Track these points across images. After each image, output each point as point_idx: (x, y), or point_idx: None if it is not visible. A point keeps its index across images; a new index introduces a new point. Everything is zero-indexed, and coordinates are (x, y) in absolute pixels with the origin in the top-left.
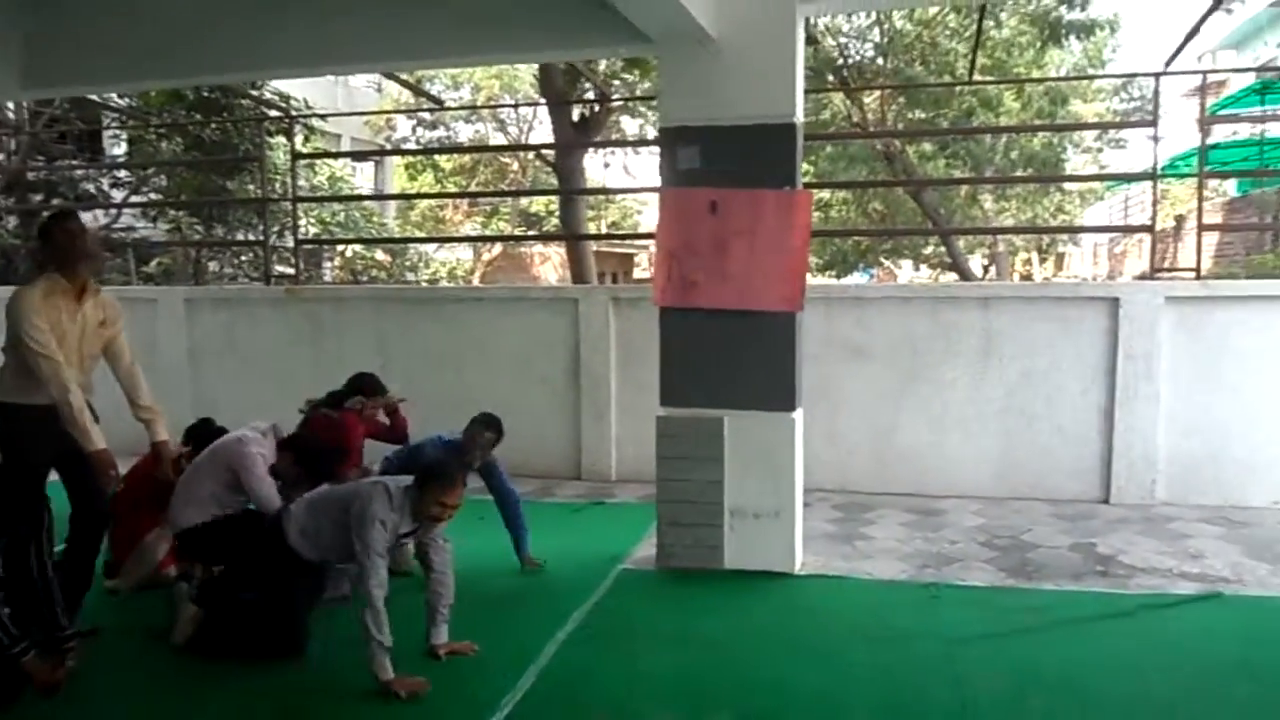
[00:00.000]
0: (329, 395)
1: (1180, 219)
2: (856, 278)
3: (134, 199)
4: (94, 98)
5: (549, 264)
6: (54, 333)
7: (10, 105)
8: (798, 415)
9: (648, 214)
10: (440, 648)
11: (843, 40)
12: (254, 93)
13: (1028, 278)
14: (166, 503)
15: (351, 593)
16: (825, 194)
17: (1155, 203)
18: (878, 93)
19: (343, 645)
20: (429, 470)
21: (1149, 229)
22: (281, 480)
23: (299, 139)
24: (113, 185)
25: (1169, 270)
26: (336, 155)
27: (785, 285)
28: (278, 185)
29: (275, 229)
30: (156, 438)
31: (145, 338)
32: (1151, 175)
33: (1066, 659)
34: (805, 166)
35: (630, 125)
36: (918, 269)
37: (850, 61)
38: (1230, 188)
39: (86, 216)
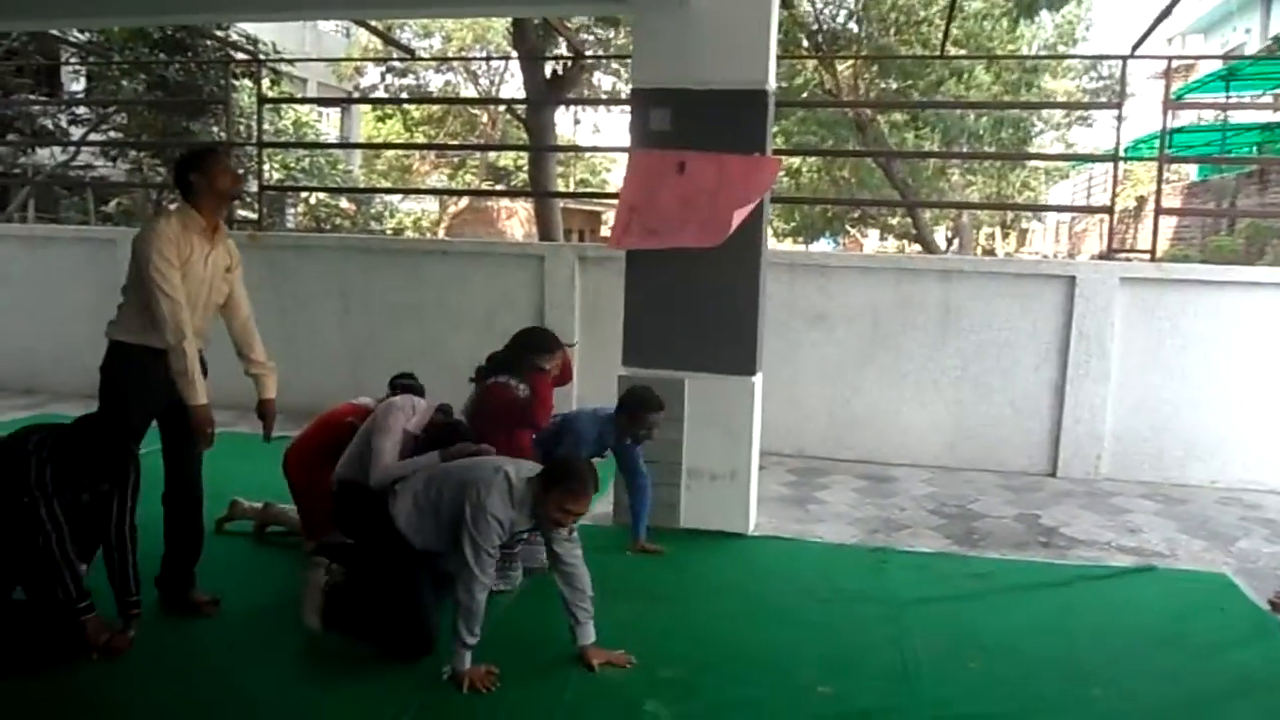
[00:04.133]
0: (492, 358)
1: (1141, 200)
2: (823, 245)
3: (93, 137)
4: (54, 32)
5: (515, 219)
6: (181, 272)
7: None
8: (758, 380)
9: (616, 172)
10: (592, 654)
11: (818, 5)
12: (219, 34)
13: (990, 252)
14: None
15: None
16: (794, 160)
17: (1115, 184)
18: (851, 61)
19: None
20: (559, 471)
21: (1108, 210)
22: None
23: (265, 83)
24: (71, 122)
25: (1126, 251)
26: (304, 101)
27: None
28: (242, 129)
29: (239, 173)
30: (265, 394)
31: (104, 280)
32: (1113, 157)
33: (1004, 624)
34: (775, 129)
35: (604, 82)
36: (884, 239)
37: (824, 27)
38: (1192, 172)
39: (43, 153)
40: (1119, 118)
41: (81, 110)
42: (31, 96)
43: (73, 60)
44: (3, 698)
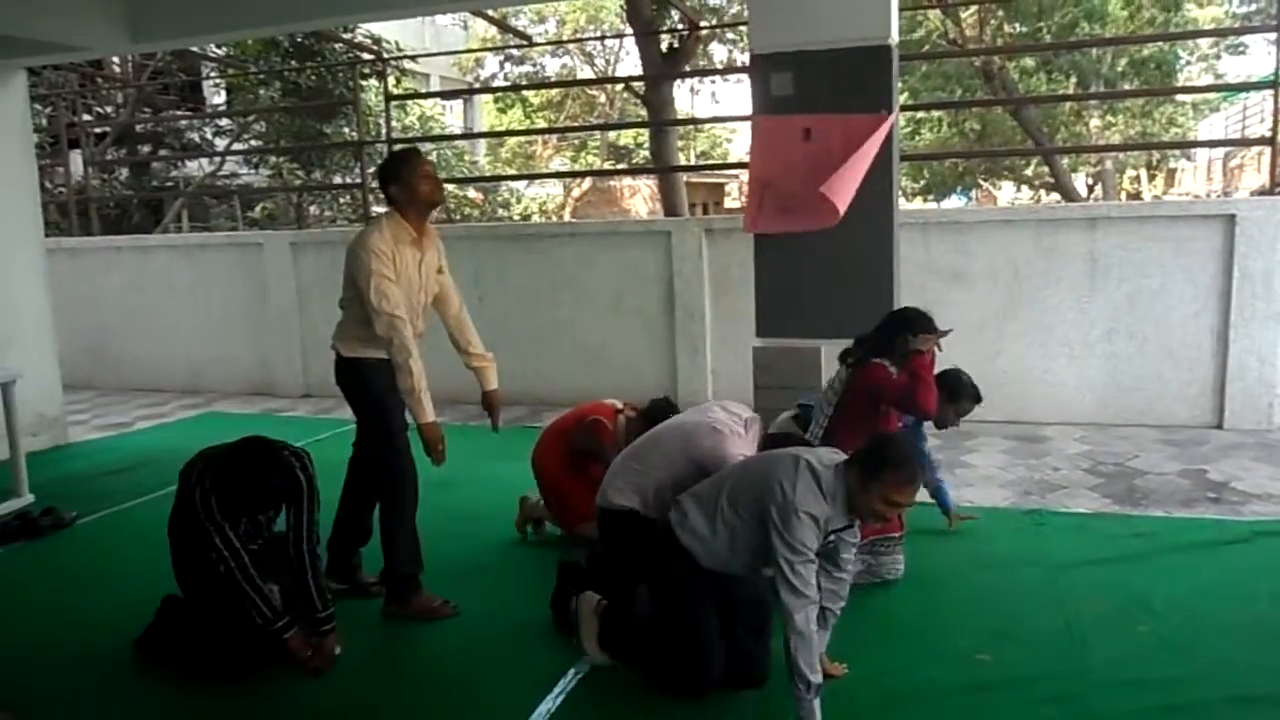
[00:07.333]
0: (861, 341)
1: None
2: (954, 201)
3: (236, 146)
4: (194, 49)
5: (639, 196)
6: (399, 283)
7: (116, 59)
8: None
9: (737, 142)
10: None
11: None
12: (346, 36)
13: (1136, 196)
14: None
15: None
16: (919, 114)
17: (1276, 113)
18: (975, 7)
19: None
20: (886, 456)
21: (1269, 141)
22: None
23: (390, 80)
24: (215, 134)
25: None
26: (428, 95)
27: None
28: (371, 127)
29: (371, 170)
30: (489, 385)
31: (255, 281)
32: (1273, 84)
33: (1175, 584)
34: (899, 85)
35: (719, 51)
36: (1019, 190)
37: None
38: None
39: (192, 165)
40: (1278, 41)
41: (224, 122)
42: (178, 112)
43: (213, 74)
44: (204, 705)
